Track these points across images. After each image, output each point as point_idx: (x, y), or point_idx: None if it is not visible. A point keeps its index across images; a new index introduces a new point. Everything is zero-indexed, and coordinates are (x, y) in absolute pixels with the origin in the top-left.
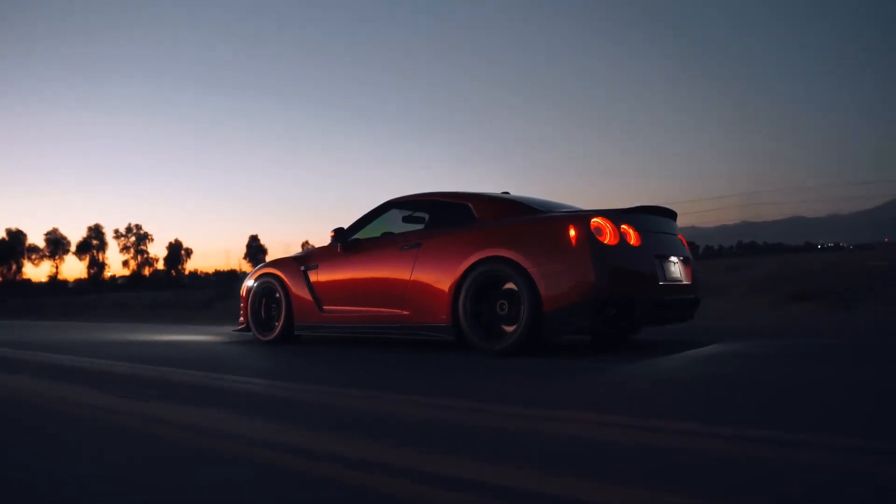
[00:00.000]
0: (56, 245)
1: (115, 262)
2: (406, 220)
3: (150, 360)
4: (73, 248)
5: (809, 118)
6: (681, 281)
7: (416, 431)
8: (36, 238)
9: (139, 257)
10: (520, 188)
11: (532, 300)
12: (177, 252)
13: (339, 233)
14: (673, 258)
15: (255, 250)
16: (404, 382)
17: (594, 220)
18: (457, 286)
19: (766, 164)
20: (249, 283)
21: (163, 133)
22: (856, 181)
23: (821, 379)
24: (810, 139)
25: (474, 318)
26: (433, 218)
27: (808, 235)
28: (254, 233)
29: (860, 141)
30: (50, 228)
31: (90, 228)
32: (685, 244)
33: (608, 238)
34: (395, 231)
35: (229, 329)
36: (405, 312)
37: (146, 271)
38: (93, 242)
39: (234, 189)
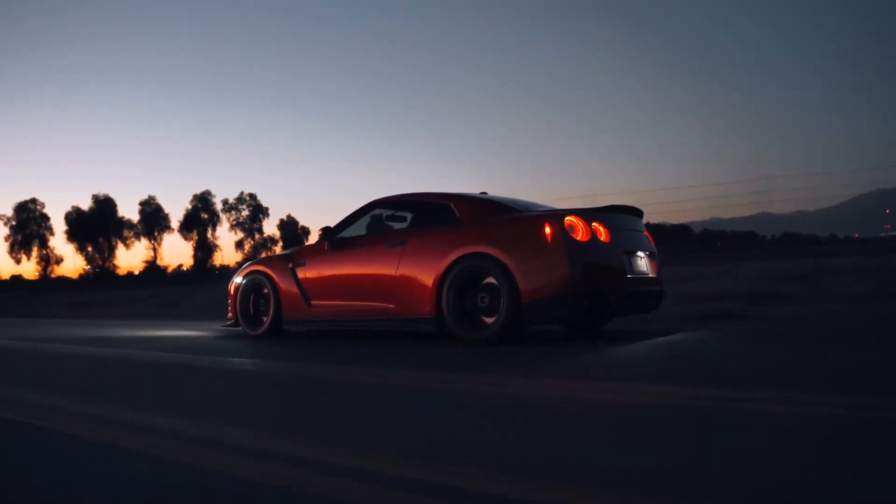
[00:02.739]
0: (153, 220)
1: (227, 244)
2: (390, 219)
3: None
4: (174, 223)
5: (776, 113)
6: (647, 274)
7: (390, 396)
8: (128, 211)
9: (256, 236)
10: (500, 187)
11: (511, 293)
12: (293, 231)
13: (326, 231)
14: (640, 253)
15: None
16: (386, 360)
17: (567, 218)
18: (440, 280)
19: (734, 160)
20: (238, 280)
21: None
22: (822, 176)
23: (773, 355)
24: (776, 135)
25: (457, 310)
26: (417, 217)
27: (775, 231)
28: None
29: (825, 137)
30: (145, 197)
31: (196, 197)
32: (651, 240)
33: (580, 235)
34: (381, 230)
35: (215, 325)
36: (391, 306)
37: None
38: (201, 216)
39: (349, 165)
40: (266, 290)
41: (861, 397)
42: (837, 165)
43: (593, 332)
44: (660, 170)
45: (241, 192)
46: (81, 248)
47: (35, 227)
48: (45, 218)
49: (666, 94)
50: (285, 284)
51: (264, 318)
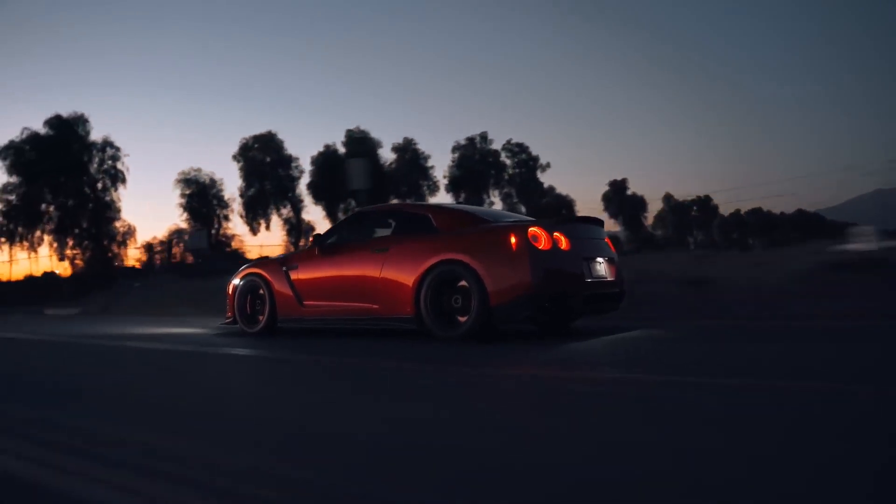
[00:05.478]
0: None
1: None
2: (375, 226)
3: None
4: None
5: (771, 114)
6: (606, 278)
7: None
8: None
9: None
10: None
11: (481, 295)
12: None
13: (316, 238)
14: (599, 259)
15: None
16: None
17: (531, 229)
18: (419, 284)
19: (729, 162)
20: (236, 281)
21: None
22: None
23: (718, 350)
24: (773, 135)
25: (434, 310)
26: (398, 226)
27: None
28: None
29: (821, 137)
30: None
31: (459, 147)
32: (611, 247)
33: (543, 244)
34: (366, 237)
35: (213, 323)
36: (375, 306)
37: None
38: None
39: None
40: (262, 291)
41: (739, 380)
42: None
43: (559, 331)
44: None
45: (509, 140)
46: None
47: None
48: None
49: (659, 92)
50: (279, 286)
51: (260, 317)
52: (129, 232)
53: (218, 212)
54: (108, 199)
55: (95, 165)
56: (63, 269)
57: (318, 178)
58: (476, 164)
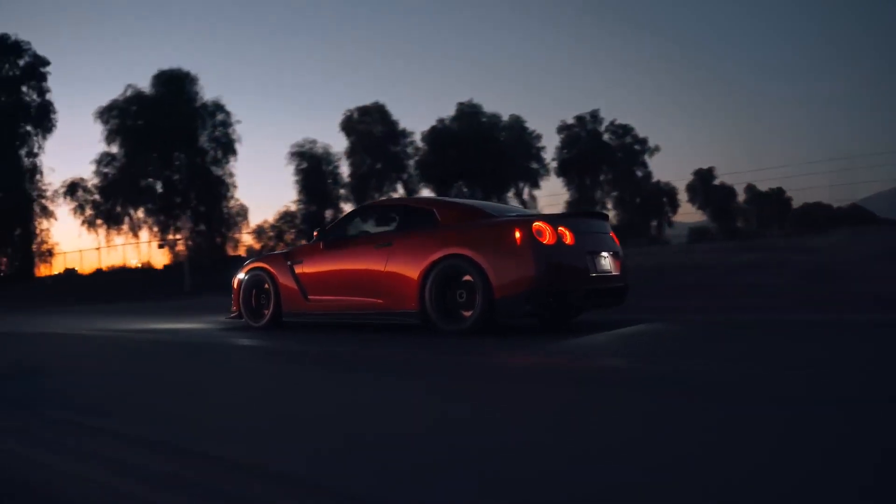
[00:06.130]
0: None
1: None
2: (379, 221)
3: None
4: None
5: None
6: (610, 272)
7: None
8: None
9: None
10: None
11: (485, 290)
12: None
13: (321, 232)
14: (604, 253)
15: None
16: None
17: (535, 223)
18: (423, 278)
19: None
20: (241, 275)
21: None
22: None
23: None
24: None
25: (438, 304)
26: (402, 220)
27: None
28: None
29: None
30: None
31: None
32: (616, 241)
33: (547, 238)
34: (370, 231)
35: (219, 318)
36: (379, 301)
37: None
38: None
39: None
40: (267, 286)
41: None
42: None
43: (563, 325)
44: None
45: (613, 121)
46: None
47: None
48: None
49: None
50: (284, 280)
51: (265, 311)
52: (241, 213)
53: (333, 191)
54: (219, 172)
55: (206, 133)
56: (164, 256)
57: (430, 155)
58: (585, 147)
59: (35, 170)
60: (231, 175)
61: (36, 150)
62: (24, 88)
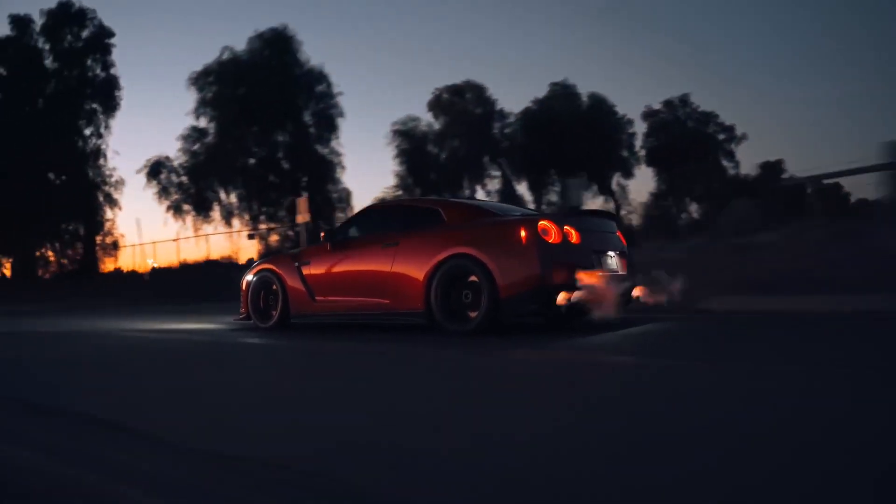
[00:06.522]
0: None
1: None
2: (385, 221)
3: None
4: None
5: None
6: (617, 272)
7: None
8: None
9: None
10: None
11: (491, 289)
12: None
13: (328, 233)
14: (610, 252)
15: None
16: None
17: (541, 222)
18: (429, 278)
19: None
20: (249, 277)
21: None
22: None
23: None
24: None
25: (444, 304)
26: (409, 220)
27: None
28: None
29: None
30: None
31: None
32: (623, 240)
33: (552, 237)
34: (377, 232)
35: (228, 319)
36: (386, 301)
37: None
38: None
39: None
40: (275, 287)
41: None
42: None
43: (569, 324)
44: None
45: (695, 108)
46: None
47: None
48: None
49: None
50: (292, 281)
51: (273, 312)
52: (344, 197)
53: (434, 176)
54: (323, 151)
55: (311, 105)
56: (252, 247)
57: (525, 138)
58: (676, 134)
59: (98, 153)
60: (337, 154)
61: (101, 131)
62: (88, 62)
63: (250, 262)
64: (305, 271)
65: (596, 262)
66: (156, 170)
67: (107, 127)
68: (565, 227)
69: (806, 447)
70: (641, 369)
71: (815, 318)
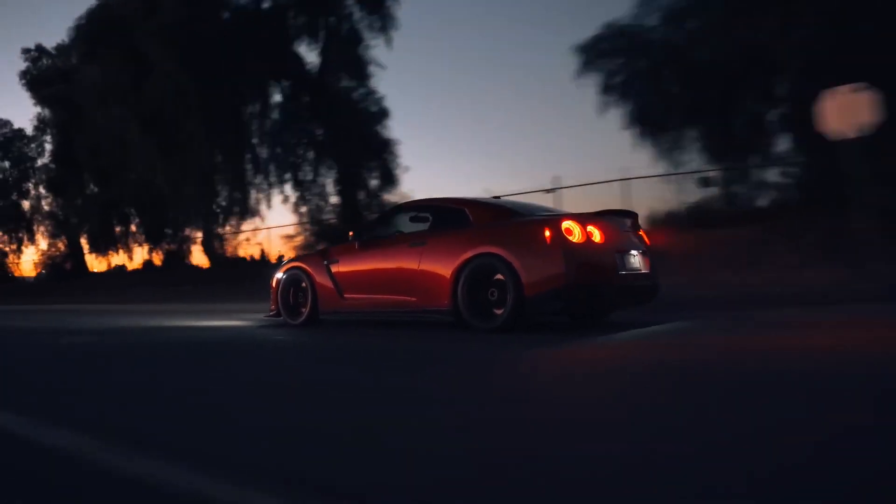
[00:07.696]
0: None
1: None
2: (413, 220)
3: None
4: None
5: None
6: (639, 270)
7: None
8: None
9: None
10: None
11: (516, 288)
12: None
13: (356, 232)
14: (633, 252)
15: None
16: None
17: (565, 222)
18: (456, 276)
19: None
20: (279, 275)
21: None
22: None
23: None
24: None
25: (470, 302)
26: (435, 220)
27: None
28: None
29: None
30: None
31: None
32: (646, 240)
33: (576, 237)
34: (404, 231)
35: (258, 316)
36: (413, 298)
37: None
38: None
39: None
40: (304, 284)
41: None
42: None
43: (595, 322)
44: None
45: None
46: None
47: None
48: None
49: None
50: (321, 279)
51: (303, 309)
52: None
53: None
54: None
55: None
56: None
57: None
58: None
59: None
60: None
61: None
62: None
63: (280, 260)
64: (334, 269)
65: (619, 260)
66: None
67: None
68: (589, 226)
69: None
70: (690, 364)
71: None
